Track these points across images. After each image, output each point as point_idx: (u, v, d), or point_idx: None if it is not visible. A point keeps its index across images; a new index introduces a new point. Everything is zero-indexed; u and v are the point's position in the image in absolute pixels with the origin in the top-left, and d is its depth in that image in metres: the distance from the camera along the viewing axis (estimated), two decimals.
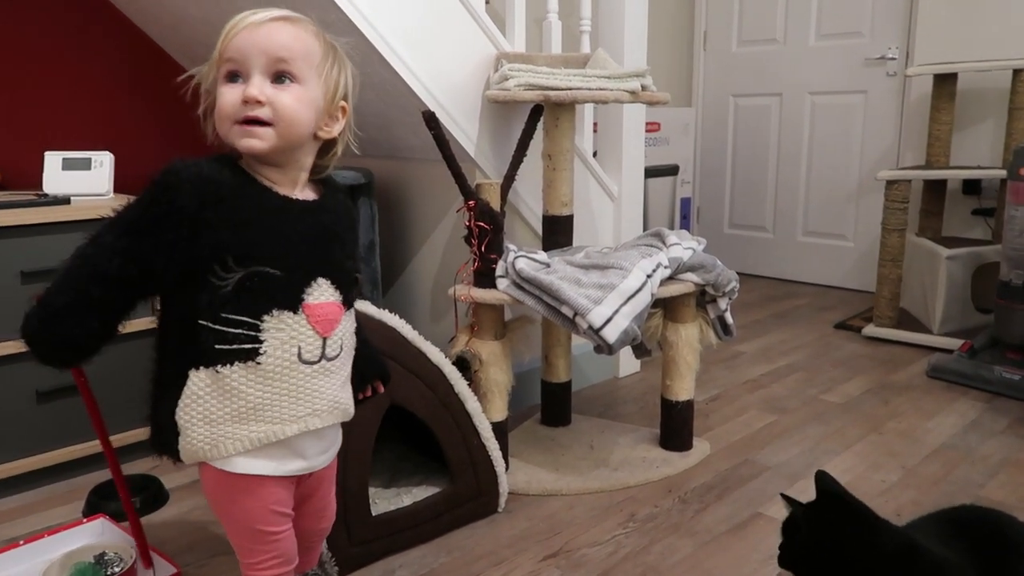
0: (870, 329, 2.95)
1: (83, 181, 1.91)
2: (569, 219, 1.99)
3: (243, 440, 0.97)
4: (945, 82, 3.04)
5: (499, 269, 1.72)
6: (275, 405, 0.98)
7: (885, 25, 3.45)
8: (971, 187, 3.22)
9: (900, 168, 3.15)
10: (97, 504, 1.65)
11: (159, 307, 0.99)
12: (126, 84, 2.34)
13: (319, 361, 1.00)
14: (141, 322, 1.82)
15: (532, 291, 1.66)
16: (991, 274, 2.61)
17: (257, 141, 0.94)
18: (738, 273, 1.89)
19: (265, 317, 0.95)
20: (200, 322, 0.94)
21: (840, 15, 3.58)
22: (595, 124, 2.45)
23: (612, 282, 1.63)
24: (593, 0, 2.31)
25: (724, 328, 1.91)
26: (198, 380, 0.95)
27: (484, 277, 1.72)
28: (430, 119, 1.68)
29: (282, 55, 0.94)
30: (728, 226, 4.16)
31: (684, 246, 1.82)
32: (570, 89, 1.83)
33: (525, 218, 2.19)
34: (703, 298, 1.89)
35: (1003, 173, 2.62)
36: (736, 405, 2.30)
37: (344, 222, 1.08)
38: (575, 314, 1.60)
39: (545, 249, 1.97)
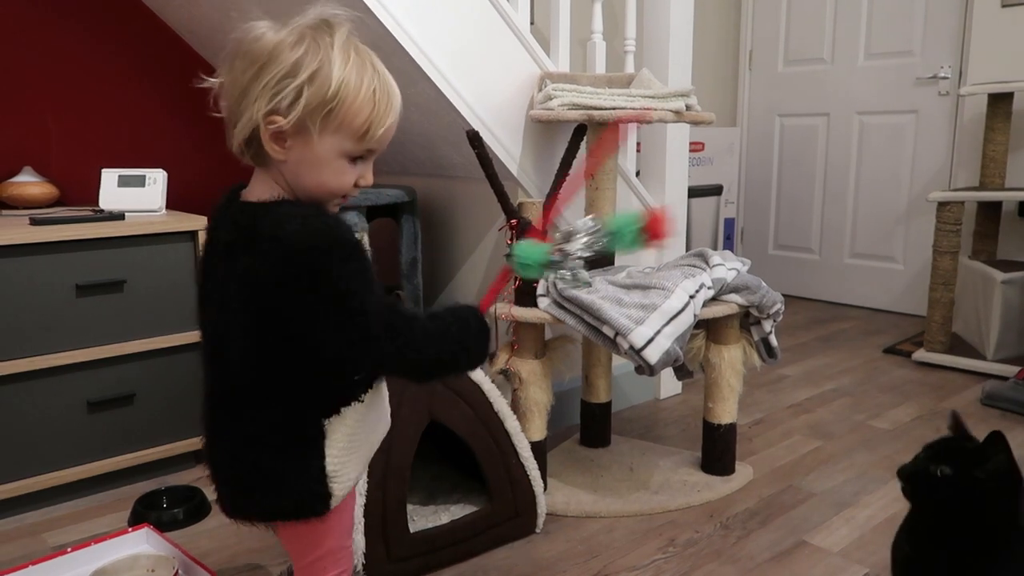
0: (921, 354, 2.87)
1: (138, 197, 1.97)
2: None
3: (359, 463, 1.00)
4: (1000, 101, 2.97)
5: (540, 288, 1.72)
6: (375, 419, 1.01)
7: (937, 44, 3.38)
8: None
9: (953, 189, 3.08)
10: (142, 513, 1.68)
11: (267, 360, 0.90)
12: (180, 104, 2.41)
13: None
14: (181, 336, 1.87)
15: (573, 310, 1.65)
16: None
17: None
18: (783, 295, 1.86)
19: None
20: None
21: (890, 34, 3.52)
22: (638, 144, 2.44)
23: (654, 302, 1.62)
24: (638, 20, 2.31)
25: (768, 350, 1.88)
26: (340, 424, 0.94)
27: (525, 295, 1.72)
28: (474, 138, 1.69)
29: None
30: (773, 247, 4.10)
31: (728, 267, 1.80)
32: (614, 108, 1.83)
33: None
34: (747, 320, 1.86)
35: None
36: (780, 429, 2.26)
37: None
38: (616, 334, 1.59)
39: (587, 268, 1.96)
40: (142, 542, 1.54)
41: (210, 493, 1.74)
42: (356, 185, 0.91)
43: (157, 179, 1.99)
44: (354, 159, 0.90)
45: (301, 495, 0.93)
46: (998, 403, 2.40)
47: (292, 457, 0.93)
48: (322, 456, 0.93)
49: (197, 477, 1.90)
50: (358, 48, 0.88)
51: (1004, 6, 3.08)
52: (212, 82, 0.90)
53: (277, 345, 0.88)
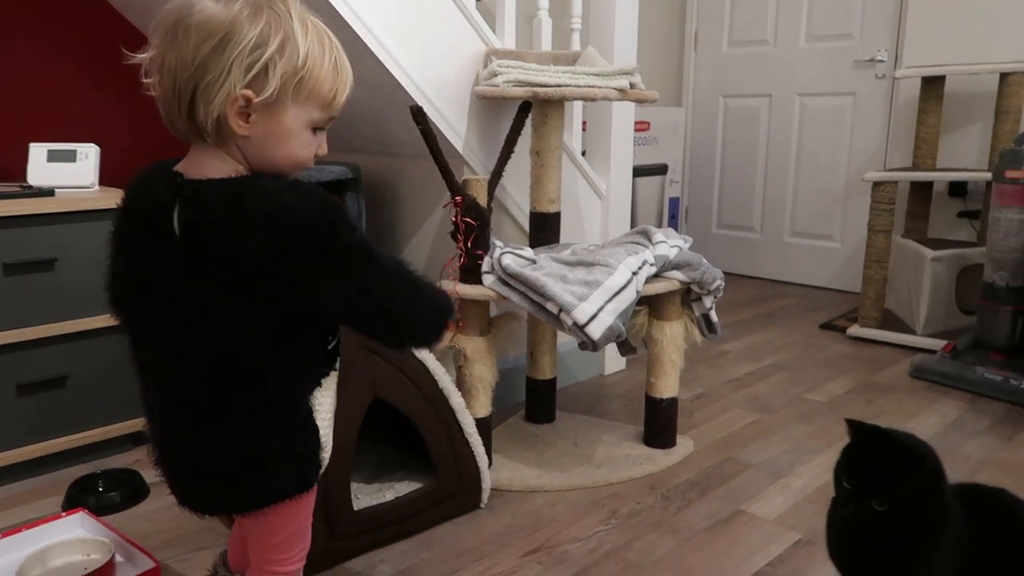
0: (855, 329, 2.97)
1: (68, 173, 1.90)
2: (556, 216, 1.99)
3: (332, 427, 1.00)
4: (933, 85, 3.06)
5: (485, 265, 1.72)
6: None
7: (875, 28, 3.47)
8: (957, 189, 3.24)
9: (887, 170, 3.17)
10: (77, 497, 1.64)
11: (263, 350, 0.88)
12: (114, 77, 2.32)
13: None
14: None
15: (517, 287, 1.66)
16: (975, 276, 2.63)
17: None
18: (725, 273, 1.90)
19: None
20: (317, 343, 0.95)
21: (830, 17, 3.60)
22: (584, 123, 2.45)
23: (598, 279, 1.63)
24: None
25: (709, 326, 1.92)
26: (323, 393, 0.96)
27: (470, 273, 1.72)
28: (417, 113, 1.68)
29: None
30: (716, 226, 4.17)
31: (670, 244, 1.83)
32: (559, 86, 1.83)
33: (512, 214, 2.19)
34: (688, 296, 1.90)
35: (989, 176, 2.63)
36: (720, 403, 2.31)
37: None
38: (560, 310, 1.60)
39: (532, 246, 1.97)
40: (77, 527, 1.50)
41: (149, 478, 1.73)
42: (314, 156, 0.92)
43: (89, 154, 1.92)
44: (314, 130, 0.90)
45: (301, 471, 0.94)
46: (926, 375, 2.50)
47: (292, 435, 0.92)
48: (315, 429, 0.94)
49: (135, 460, 1.87)
50: (311, 17, 0.88)
51: None
52: (141, 57, 0.87)
53: (284, 318, 0.87)
